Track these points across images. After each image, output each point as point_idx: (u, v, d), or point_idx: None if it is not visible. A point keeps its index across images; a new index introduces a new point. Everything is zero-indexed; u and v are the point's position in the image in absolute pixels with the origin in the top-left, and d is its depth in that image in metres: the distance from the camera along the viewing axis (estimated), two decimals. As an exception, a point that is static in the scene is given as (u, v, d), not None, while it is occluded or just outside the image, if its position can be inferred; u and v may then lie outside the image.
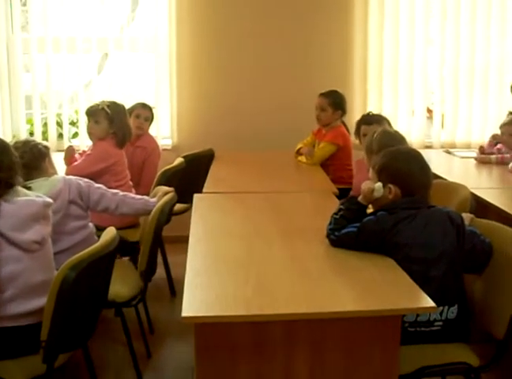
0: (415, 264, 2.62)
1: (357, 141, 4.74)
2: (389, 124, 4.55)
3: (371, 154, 3.64)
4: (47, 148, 3.47)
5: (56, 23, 5.90)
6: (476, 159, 5.14)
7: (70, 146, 4.82)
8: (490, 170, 4.83)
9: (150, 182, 4.43)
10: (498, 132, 5.20)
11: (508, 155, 4.93)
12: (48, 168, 3.45)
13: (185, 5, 5.94)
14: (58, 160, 4.05)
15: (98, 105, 4.52)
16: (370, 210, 2.94)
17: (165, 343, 4.12)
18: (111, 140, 4.48)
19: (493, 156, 5.04)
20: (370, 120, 4.54)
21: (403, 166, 2.86)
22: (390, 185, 2.83)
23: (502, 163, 4.90)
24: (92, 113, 4.51)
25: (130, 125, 4.68)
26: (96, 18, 5.99)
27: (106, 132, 4.46)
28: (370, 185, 2.88)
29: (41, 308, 2.55)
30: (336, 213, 2.91)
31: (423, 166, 2.89)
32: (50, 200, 2.82)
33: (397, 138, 3.79)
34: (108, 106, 4.48)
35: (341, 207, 2.93)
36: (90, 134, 4.58)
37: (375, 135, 3.81)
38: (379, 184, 2.87)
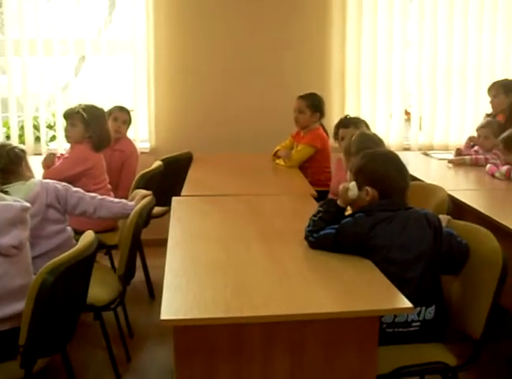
0: (392, 266, 2.63)
1: (336, 144, 4.76)
2: (367, 126, 4.57)
3: (349, 156, 3.65)
4: (23, 151, 3.44)
5: (32, 25, 5.84)
6: (450, 161, 5.16)
7: (52, 153, 4.78)
8: (466, 172, 4.86)
9: (128, 186, 4.42)
10: (475, 134, 5.24)
11: (482, 157, 4.95)
12: (25, 172, 3.42)
13: (162, 8, 5.93)
14: (35, 164, 4.03)
15: (74, 108, 4.52)
16: (349, 212, 2.96)
17: (144, 347, 4.11)
18: (87, 144, 4.47)
19: (467, 157, 5.06)
20: (348, 123, 4.56)
21: (380, 168, 2.87)
22: (367, 188, 2.84)
23: (476, 164, 4.93)
24: (69, 116, 4.52)
25: (109, 130, 4.66)
26: (72, 20, 5.96)
27: (82, 135, 4.46)
28: (346, 185, 2.90)
29: (19, 313, 2.54)
30: (314, 215, 2.93)
31: (400, 168, 2.91)
32: (28, 205, 2.81)
33: (375, 140, 3.81)
34: (84, 109, 4.47)
35: (320, 209, 2.95)
36: (67, 137, 4.58)
37: (353, 137, 3.83)
38: (353, 183, 2.88)
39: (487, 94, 5.50)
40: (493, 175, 4.53)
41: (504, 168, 4.47)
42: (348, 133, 4.18)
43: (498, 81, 5.46)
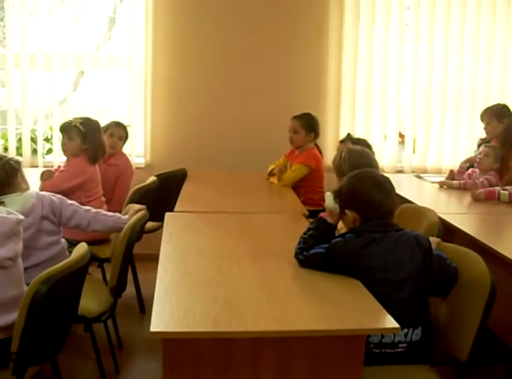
0: (381, 287, 2.65)
1: (328, 163, 4.75)
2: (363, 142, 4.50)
3: (342, 176, 3.66)
4: (18, 162, 3.44)
5: (33, 40, 5.89)
6: (441, 184, 5.19)
7: (49, 170, 4.77)
8: (458, 196, 4.86)
9: (122, 200, 4.44)
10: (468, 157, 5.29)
11: (471, 181, 4.98)
12: (21, 183, 3.43)
13: (161, 26, 5.99)
14: (31, 176, 4.05)
15: (71, 122, 4.54)
16: (341, 232, 2.98)
17: (133, 359, 4.12)
18: (84, 157, 4.49)
19: (455, 182, 5.10)
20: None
21: (362, 190, 2.85)
22: (347, 211, 2.87)
23: (464, 189, 4.94)
24: (65, 129, 4.53)
25: (104, 142, 4.68)
26: (72, 36, 6.02)
27: (79, 148, 4.48)
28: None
29: (11, 323, 2.55)
30: (305, 233, 2.96)
31: (383, 189, 2.87)
32: (22, 217, 2.83)
33: (364, 155, 3.81)
34: (81, 122, 4.50)
35: (310, 226, 2.98)
36: (64, 151, 4.60)
37: (343, 155, 3.82)
38: (329, 193, 2.92)
39: (479, 120, 5.53)
40: (497, 196, 4.55)
41: (506, 193, 4.52)
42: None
43: (489, 108, 5.46)
